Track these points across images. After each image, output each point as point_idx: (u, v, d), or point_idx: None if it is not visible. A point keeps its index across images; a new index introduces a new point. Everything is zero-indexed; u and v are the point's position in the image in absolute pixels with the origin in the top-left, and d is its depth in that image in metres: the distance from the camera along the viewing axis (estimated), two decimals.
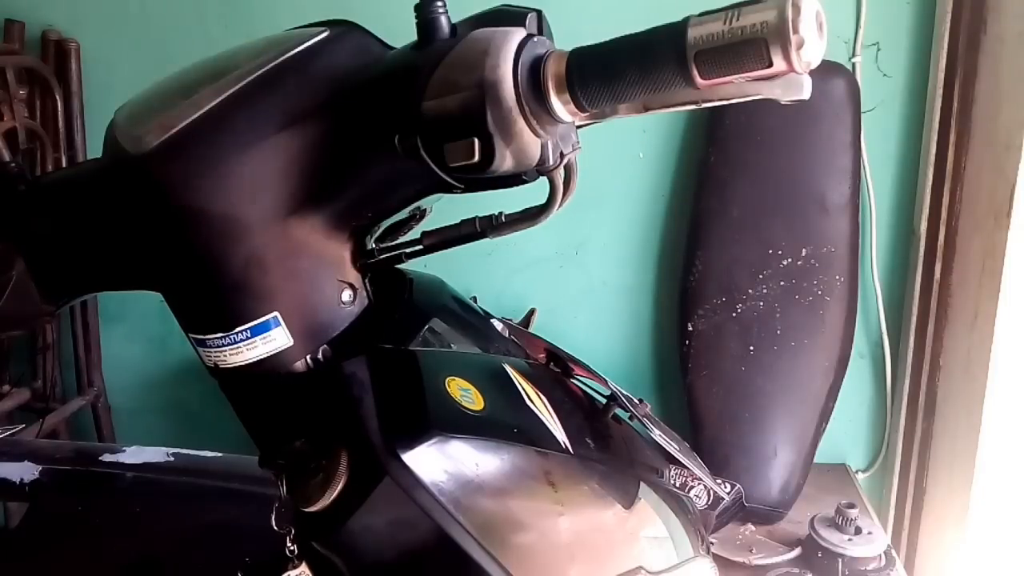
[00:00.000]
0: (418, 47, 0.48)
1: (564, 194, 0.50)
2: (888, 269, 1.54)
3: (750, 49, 0.39)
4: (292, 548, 0.53)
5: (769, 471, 1.42)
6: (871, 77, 1.45)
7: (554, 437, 0.55)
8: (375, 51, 0.53)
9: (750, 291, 1.42)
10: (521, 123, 0.44)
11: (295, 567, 0.54)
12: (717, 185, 1.45)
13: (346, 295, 0.53)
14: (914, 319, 1.52)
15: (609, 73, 0.43)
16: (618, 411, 0.65)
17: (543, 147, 0.46)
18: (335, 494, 0.48)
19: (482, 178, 0.45)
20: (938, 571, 1.49)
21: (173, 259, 0.51)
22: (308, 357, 0.52)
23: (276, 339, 0.50)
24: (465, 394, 0.52)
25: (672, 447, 0.68)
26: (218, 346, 0.51)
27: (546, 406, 0.57)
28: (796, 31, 0.37)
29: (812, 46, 0.38)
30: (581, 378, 0.67)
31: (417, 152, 0.45)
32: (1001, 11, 1.29)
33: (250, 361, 0.51)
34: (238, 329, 0.50)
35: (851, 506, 1.30)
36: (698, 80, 0.41)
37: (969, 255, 1.37)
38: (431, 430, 0.48)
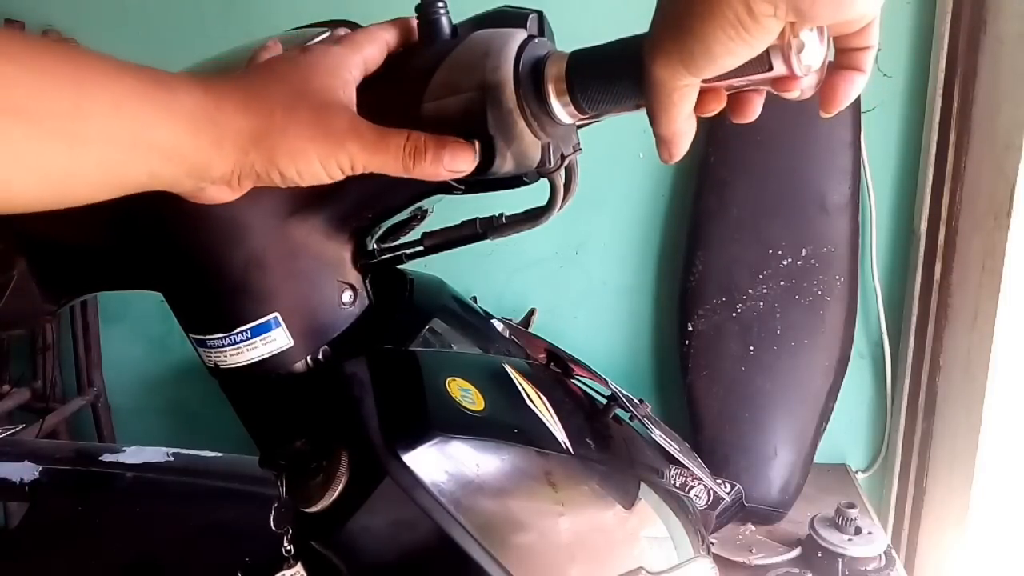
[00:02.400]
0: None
1: (565, 195, 0.50)
2: (888, 269, 1.54)
3: None
4: (288, 548, 0.53)
5: (769, 471, 1.42)
6: (871, 77, 1.44)
7: (554, 437, 0.55)
8: None
9: (750, 291, 1.42)
10: (521, 125, 0.44)
11: (291, 567, 0.54)
12: (717, 185, 1.44)
13: (346, 296, 0.53)
14: (914, 319, 1.52)
15: (609, 76, 0.43)
16: (618, 411, 0.65)
17: (543, 149, 0.46)
18: (335, 494, 0.48)
19: (483, 179, 0.45)
20: (938, 571, 1.49)
21: (173, 260, 0.51)
22: (308, 357, 0.52)
23: (276, 340, 0.50)
24: (465, 394, 0.52)
25: (672, 447, 0.68)
26: (218, 347, 0.51)
27: (546, 406, 0.57)
28: (796, 35, 0.37)
29: (812, 50, 0.38)
30: (581, 378, 0.67)
31: None
32: (1001, 11, 1.29)
33: (250, 362, 0.51)
34: (238, 330, 0.50)
35: (851, 506, 1.30)
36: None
37: (969, 255, 1.37)
38: (432, 430, 0.48)
